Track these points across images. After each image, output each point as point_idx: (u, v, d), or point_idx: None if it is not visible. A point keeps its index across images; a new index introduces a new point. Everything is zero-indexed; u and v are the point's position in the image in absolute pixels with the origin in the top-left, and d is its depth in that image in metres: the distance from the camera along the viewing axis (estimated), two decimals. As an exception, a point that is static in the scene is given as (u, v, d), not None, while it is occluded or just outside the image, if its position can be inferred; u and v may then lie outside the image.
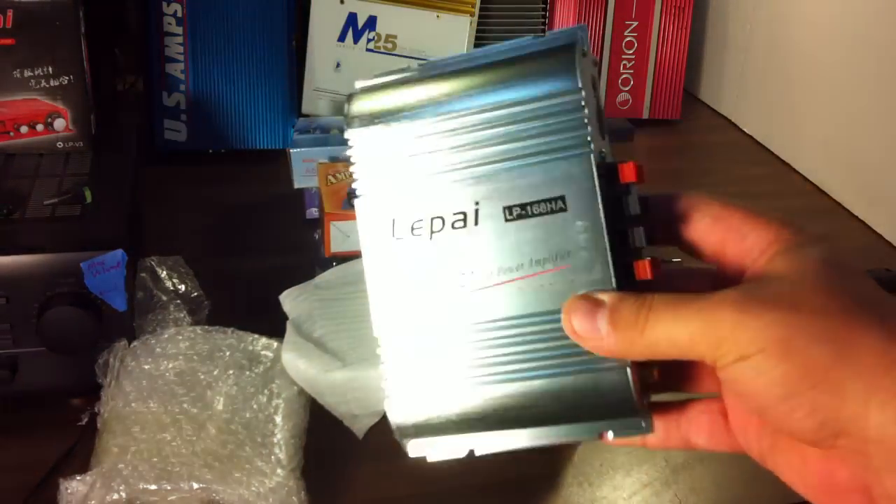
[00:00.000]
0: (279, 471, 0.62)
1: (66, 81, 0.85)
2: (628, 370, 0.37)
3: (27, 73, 0.84)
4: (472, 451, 0.40)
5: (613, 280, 0.37)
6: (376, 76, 0.41)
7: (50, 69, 0.84)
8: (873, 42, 1.04)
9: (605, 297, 0.37)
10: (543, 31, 1.25)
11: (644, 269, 0.37)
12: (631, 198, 0.38)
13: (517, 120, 0.38)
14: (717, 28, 1.38)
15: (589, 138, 0.37)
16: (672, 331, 0.35)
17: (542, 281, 0.38)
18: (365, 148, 0.41)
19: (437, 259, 0.39)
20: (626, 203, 0.38)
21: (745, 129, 1.32)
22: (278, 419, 0.66)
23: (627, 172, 0.37)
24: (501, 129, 0.39)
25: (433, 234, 0.40)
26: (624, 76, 1.29)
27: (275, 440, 0.64)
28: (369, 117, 0.41)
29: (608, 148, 0.39)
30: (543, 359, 0.38)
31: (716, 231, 0.39)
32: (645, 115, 1.31)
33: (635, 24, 1.27)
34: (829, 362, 0.33)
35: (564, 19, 1.26)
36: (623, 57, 1.28)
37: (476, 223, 0.39)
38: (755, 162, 1.24)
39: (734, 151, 1.28)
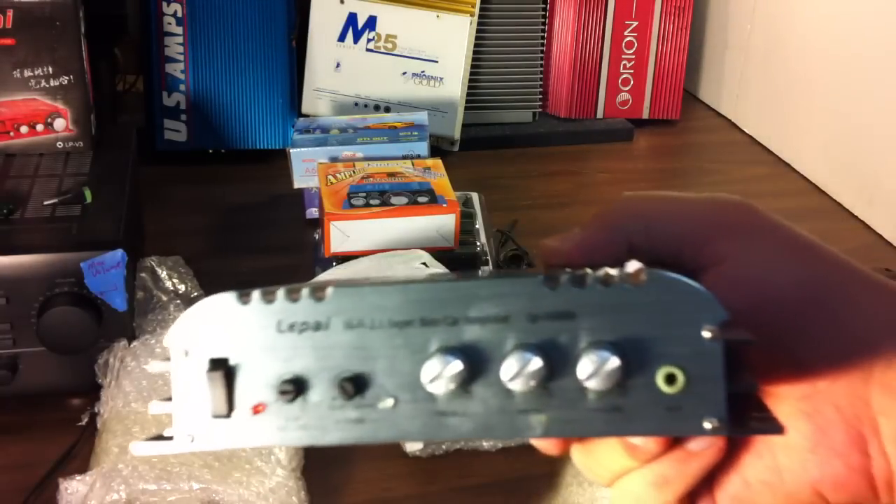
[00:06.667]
0: (279, 471, 0.62)
1: (66, 81, 0.85)
2: None
3: (27, 73, 0.84)
4: None
5: None
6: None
7: (50, 69, 0.84)
8: (873, 42, 1.04)
9: None
10: (543, 31, 1.25)
11: None
12: None
13: None
14: (717, 28, 1.38)
15: None
16: None
17: None
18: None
19: None
20: None
21: (745, 129, 1.32)
22: (278, 419, 0.66)
23: None
24: None
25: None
26: (624, 76, 1.29)
27: (275, 440, 0.64)
28: None
29: None
30: None
31: None
32: (645, 115, 1.30)
33: (635, 24, 1.27)
34: None
35: (564, 19, 1.26)
36: (623, 57, 1.28)
37: None
38: (755, 162, 1.24)
39: (734, 151, 1.28)
